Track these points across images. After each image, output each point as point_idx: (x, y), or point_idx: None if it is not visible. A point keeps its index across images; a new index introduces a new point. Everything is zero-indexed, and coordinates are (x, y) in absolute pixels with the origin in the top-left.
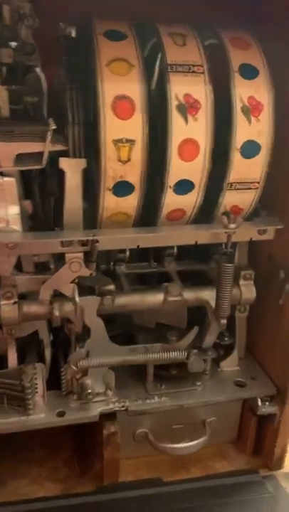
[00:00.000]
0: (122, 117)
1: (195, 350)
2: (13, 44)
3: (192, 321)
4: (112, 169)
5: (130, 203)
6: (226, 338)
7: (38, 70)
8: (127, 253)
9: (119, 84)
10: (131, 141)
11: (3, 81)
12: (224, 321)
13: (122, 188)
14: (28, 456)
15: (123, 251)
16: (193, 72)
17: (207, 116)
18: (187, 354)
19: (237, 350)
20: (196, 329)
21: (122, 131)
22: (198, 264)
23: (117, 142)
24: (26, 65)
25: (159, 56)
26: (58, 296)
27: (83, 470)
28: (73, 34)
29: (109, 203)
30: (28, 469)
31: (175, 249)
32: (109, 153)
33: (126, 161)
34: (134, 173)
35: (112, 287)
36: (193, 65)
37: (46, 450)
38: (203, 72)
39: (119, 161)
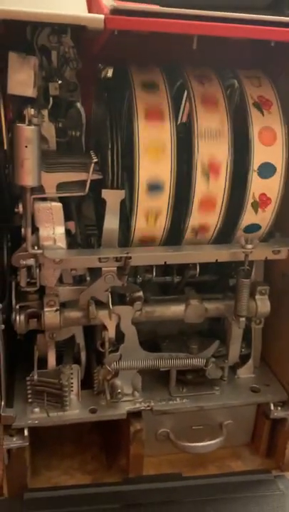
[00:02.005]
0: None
1: (213, 358)
2: (59, 82)
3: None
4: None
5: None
6: (243, 349)
7: (78, 104)
8: (154, 272)
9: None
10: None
11: (49, 114)
12: (243, 319)
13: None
14: (60, 450)
15: (150, 271)
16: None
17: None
18: (206, 361)
19: (253, 359)
20: (217, 342)
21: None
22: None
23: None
24: (69, 101)
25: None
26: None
27: (110, 464)
28: (110, 74)
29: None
30: (60, 461)
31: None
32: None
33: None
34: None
35: (140, 294)
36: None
37: (76, 445)
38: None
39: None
